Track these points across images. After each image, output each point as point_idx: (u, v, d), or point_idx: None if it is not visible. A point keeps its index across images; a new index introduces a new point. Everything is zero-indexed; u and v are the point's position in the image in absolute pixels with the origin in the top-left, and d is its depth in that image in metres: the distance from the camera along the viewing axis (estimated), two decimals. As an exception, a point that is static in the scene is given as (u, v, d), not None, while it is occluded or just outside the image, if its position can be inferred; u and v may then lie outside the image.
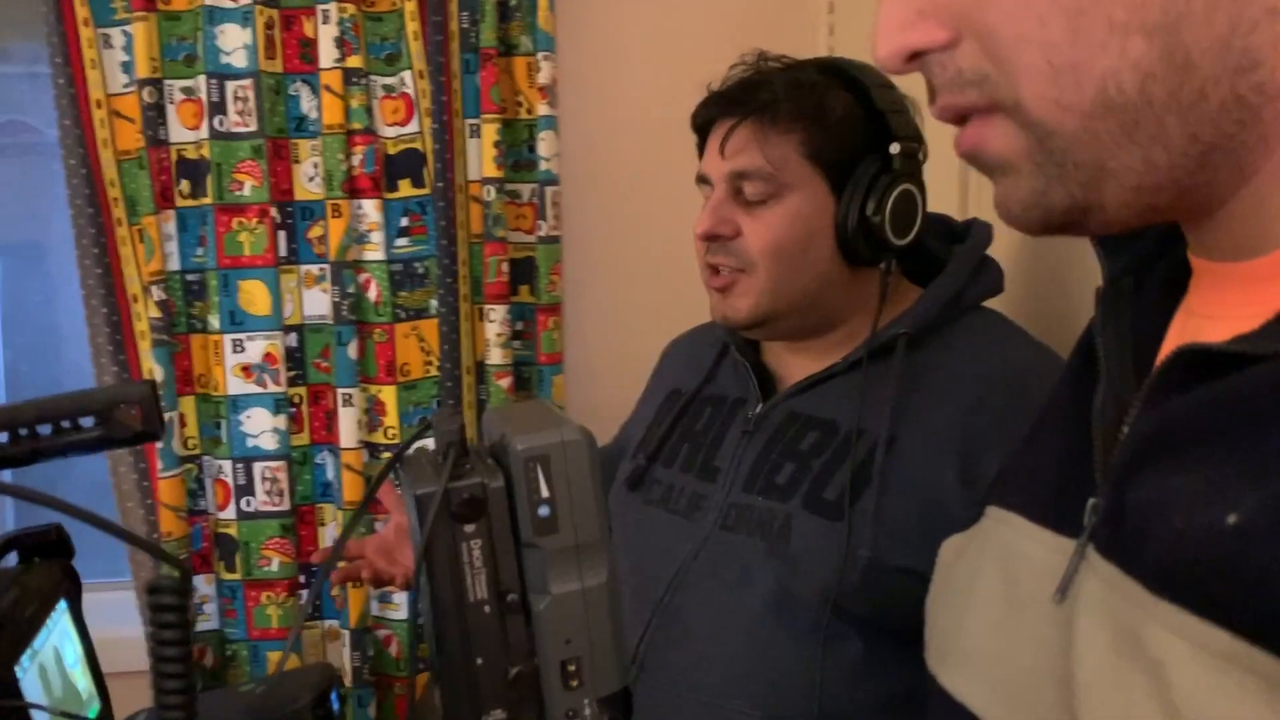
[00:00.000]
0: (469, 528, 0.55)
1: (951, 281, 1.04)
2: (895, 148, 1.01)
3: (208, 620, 1.74)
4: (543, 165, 1.70)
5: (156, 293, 1.64)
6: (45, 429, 0.52)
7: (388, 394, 1.71)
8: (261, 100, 1.62)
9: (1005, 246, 1.08)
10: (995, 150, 0.46)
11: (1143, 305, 0.53)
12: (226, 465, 1.70)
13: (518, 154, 1.72)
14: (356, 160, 1.66)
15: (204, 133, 1.63)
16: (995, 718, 0.53)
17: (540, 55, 1.67)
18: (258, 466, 1.70)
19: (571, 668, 0.56)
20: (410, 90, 1.66)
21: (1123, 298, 0.54)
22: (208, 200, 1.65)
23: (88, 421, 0.52)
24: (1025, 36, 0.43)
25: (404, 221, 1.69)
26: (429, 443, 0.58)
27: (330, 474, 1.75)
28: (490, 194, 1.67)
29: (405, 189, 1.68)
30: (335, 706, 0.81)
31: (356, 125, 1.65)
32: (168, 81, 1.63)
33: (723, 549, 1.02)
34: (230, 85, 1.63)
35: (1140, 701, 0.40)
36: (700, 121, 1.10)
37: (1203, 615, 0.39)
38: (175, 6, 1.62)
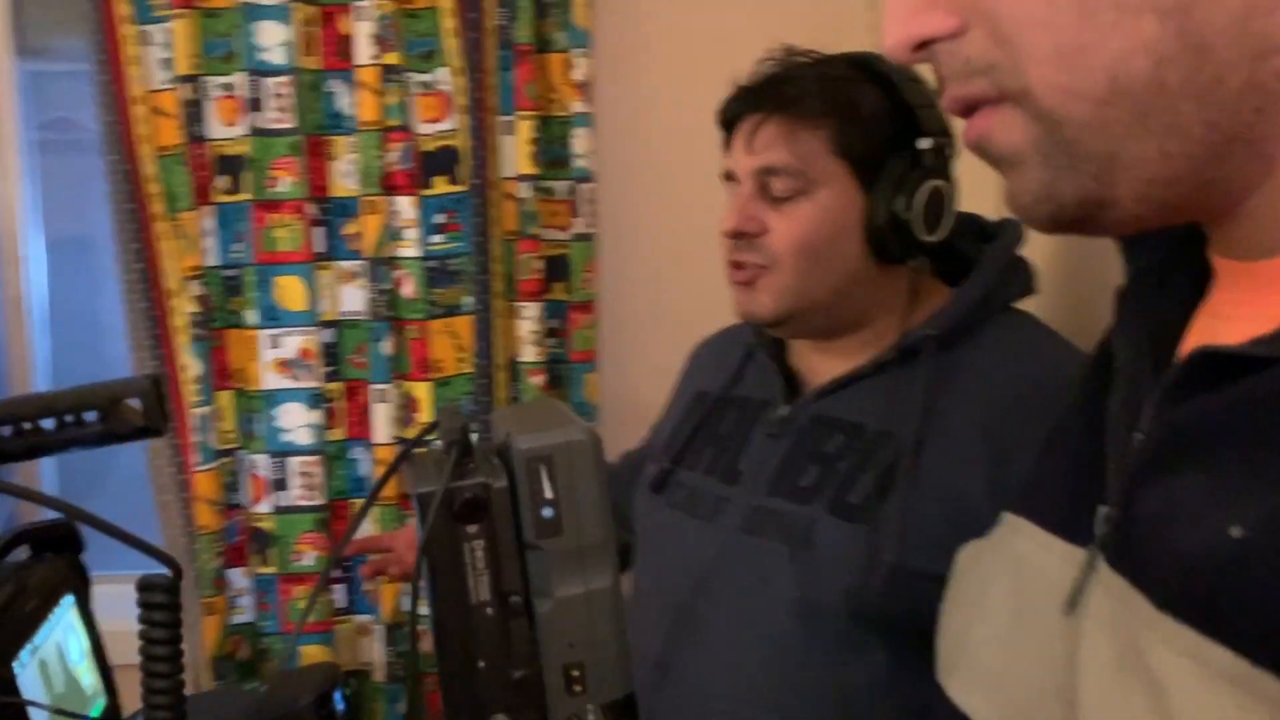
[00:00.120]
0: (471, 528, 0.54)
1: (982, 282, 1.02)
2: (925, 143, 0.99)
3: (243, 614, 1.75)
4: (578, 162, 1.69)
5: (194, 288, 1.65)
6: (48, 423, 0.51)
7: (421, 390, 1.71)
8: (299, 97, 1.63)
9: (1038, 247, 1.05)
10: (1003, 141, 0.45)
11: (1165, 306, 0.51)
12: (262, 460, 1.72)
13: (553, 151, 1.71)
14: (392, 157, 1.66)
15: (242, 129, 1.64)
16: None
17: (576, 51, 1.67)
18: (293, 461, 1.71)
19: (575, 673, 0.56)
20: (446, 87, 1.66)
21: (1144, 298, 0.52)
22: (245, 196, 1.66)
23: (91, 416, 0.52)
24: (1033, 20, 0.41)
25: (439, 218, 1.69)
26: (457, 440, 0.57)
27: (364, 469, 1.76)
28: (525, 191, 1.66)
29: (441, 186, 1.68)
30: (340, 707, 0.81)
31: (393, 122, 1.65)
32: (206, 78, 1.64)
33: (745, 553, 1.00)
34: (268, 82, 1.64)
35: None
36: (727, 116, 1.08)
37: (1205, 633, 0.37)
38: (215, 4, 1.63)
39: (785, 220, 1.01)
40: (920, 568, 0.92)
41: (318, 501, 1.71)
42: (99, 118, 1.60)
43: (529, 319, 1.69)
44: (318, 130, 1.68)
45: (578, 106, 1.67)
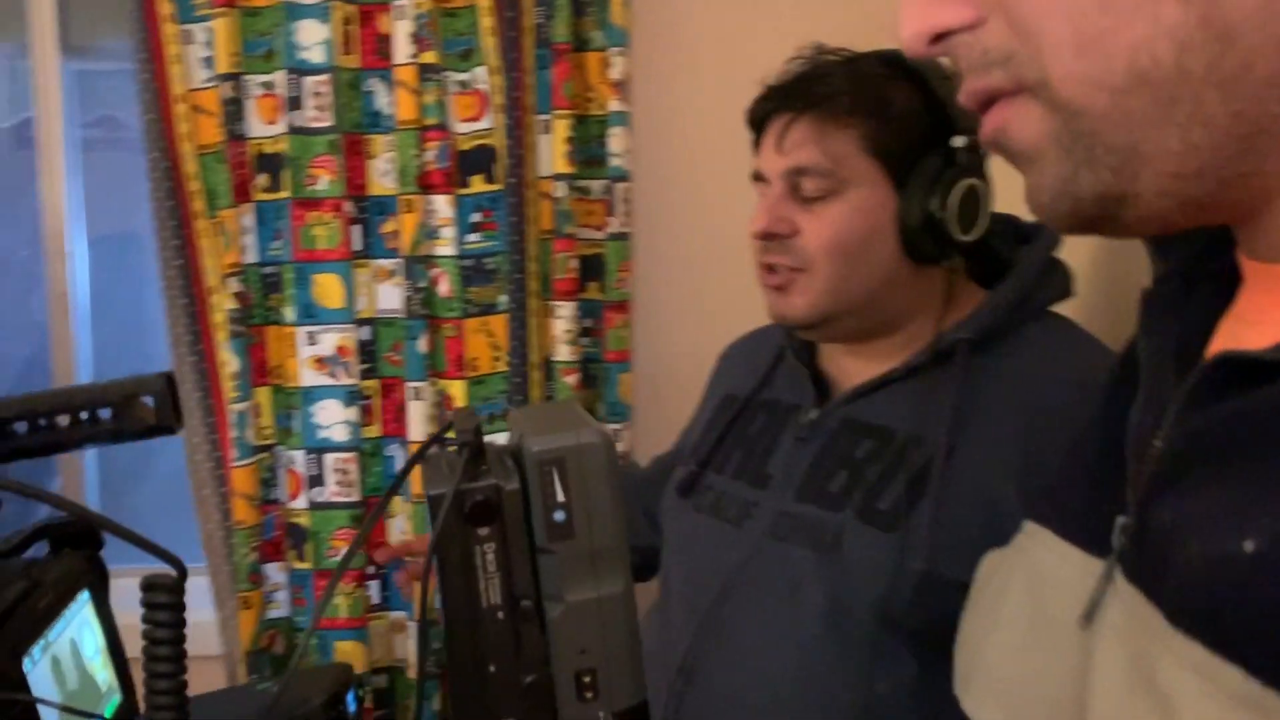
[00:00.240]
0: (483, 530, 0.53)
1: (1018, 284, 1.00)
2: (959, 141, 0.97)
3: (278, 608, 1.76)
4: (614, 161, 1.68)
5: (233, 285, 1.66)
6: (63, 419, 0.51)
7: (457, 388, 1.71)
8: (337, 96, 1.64)
9: (1077, 249, 1.03)
10: (1021, 134, 0.43)
11: (1192, 310, 0.49)
12: (298, 456, 1.73)
13: (589, 150, 1.71)
14: (430, 156, 1.66)
15: (281, 127, 1.65)
16: None
17: (613, 50, 1.66)
18: (329, 458, 1.72)
19: (586, 679, 0.55)
20: (483, 86, 1.66)
21: (1171, 301, 0.50)
22: (284, 194, 1.67)
23: (105, 413, 0.52)
24: (1051, 7, 0.40)
25: (475, 217, 1.69)
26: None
27: (399, 466, 1.76)
28: (560, 190, 1.66)
29: (477, 185, 1.68)
30: (352, 708, 0.80)
31: (430, 121, 1.65)
32: (247, 77, 1.66)
33: (772, 559, 0.99)
34: (307, 81, 1.65)
35: None
36: (756, 116, 1.07)
37: (1216, 650, 0.35)
38: (255, 3, 1.64)
39: (817, 221, 1.00)
40: (950, 576, 0.90)
41: (353, 498, 1.72)
42: (141, 116, 1.62)
43: (563, 318, 1.68)
44: (356, 129, 1.69)
45: (614, 105, 1.67)
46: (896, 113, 0.99)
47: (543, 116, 1.68)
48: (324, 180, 1.66)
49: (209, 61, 1.63)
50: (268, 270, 1.71)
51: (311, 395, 1.71)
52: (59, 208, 1.85)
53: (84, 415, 0.52)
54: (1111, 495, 0.47)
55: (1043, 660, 0.49)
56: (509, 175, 1.65)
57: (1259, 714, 0.34)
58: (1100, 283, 1.13)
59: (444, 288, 1.69)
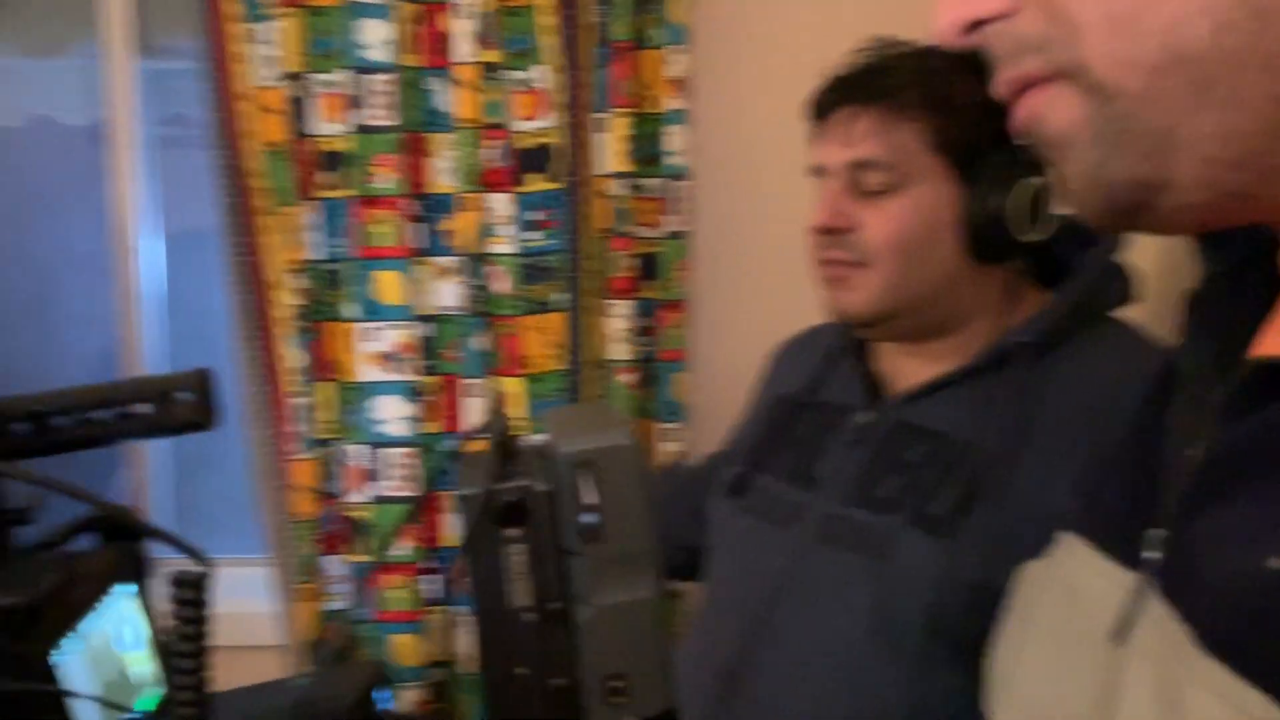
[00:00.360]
0: (512, 532, 0.53)
1: (1080, 287, 0.97)
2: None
3: (336, 600, 1.79)
4: (672, 159, 1.68)
5: (296, 281, 1.69)
6: (104, 413, 0.52)
7: (513, 386, 1.71)
8: (399, 95, 1.66)
9: (1143, 252, 1.00)
10: (1053, 121, 0.42)
11: (1235, 313, 0.47)
12: (358, 450, 1.75)
13: (647, 148, 1.70)
14: (489, 154, 1.67)
15: (344, 126, 1.67)
16: None
17: (673, 48, 1.65)
18: (388, 452, 1.74)
19: (615, 684, 0.54)
20: (543, 84, 1.66)
21: (1214, 304, 0.48)
22: (346, 192, 1.69)
23: (143, 408, 0.52)
24: None
25: (533, 215, 1.69)
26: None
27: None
28: (618, 188, 1.66)
29: (535, 183, 1.69)
30: (383, 706, 0.81)
31: (490, 119, 1.66)
32: (311, 75, 1.68)
33: (820, 564, 0.97)
34: (370, 79, 1.66)
35: None
36: (817, 107, 1.05)
37: (1239, 673, 0.33)
38: (320, 2, 1.66)
39: (878, 216, 0.98)
40: (1004, 586, 0.88)
41: (411, 493, 1.73)
42: (207, 114, 1.65)
43: (620, 317, 1.68)
44: (417, 127, 1.70)
45: (673, 103, 1.66)
46: (963, 107, 0.97)
47: (601, 114, 1.68)
48: (385, 178, 1.68)
49: (274, 60, 1.66)
50: (329, 267, 1.73)
51: (371, 391, 1.73)
52: (128, 204, 1.90)
53: (123, 410, 0.52)
54: (1148, 506, 0.45)
55: (1073, 679, 0.47)
56: (567, 173, 1.66)
57: None
58: (1166, 287, 1.09)
59: (502, 285, 1.70)
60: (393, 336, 1.71)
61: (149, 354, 1.94)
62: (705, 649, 1.03)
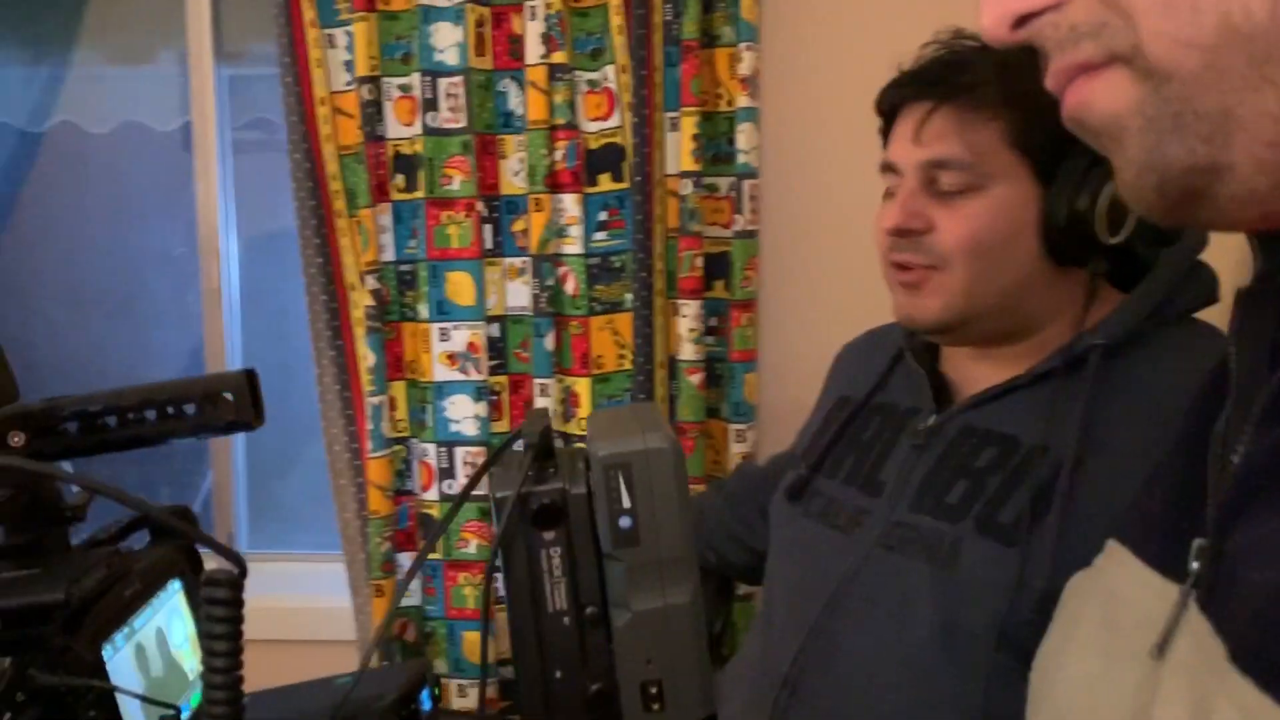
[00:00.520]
0: (549, 534, 0.53)
1: (1157, 288, 0.93)
2: None
3: (410, 597, 1.81)
4: (741, 158, 1.66)
5: (371, 282, 1.71)
6: (150, 413, 0.53)
7: (582, 386, 1.72)
8: (471, 97, 1.67)
9: (1223, 251, 0.95)
10: (1104, 107, 0.40)
11: None
12: (431, 449, 1.77)
13: (716, 147, 1.69)
14: (559, 155, 1.68)
15: (417, 129, 1.69)
16: None
17: (743, 46, 1.64)
18: (459, 451, 1.76)
19: (652, 690, 0.53)
20: (613, 85, 1.66)
21: (1268, 303, 0.46)
22: (420, 194, 1.71)
23: (189, 408, 0.53)
24: None
25: (602, 215, 1.70)
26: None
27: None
28: (687, 188, 1.65)
29: (604, 183, 1.69)
30: (426, 706, 0.81)
31: (560, 120, 1.66)
32: (385, 79, 1.70)
33: (883, 571, 0.95)
34: (442, 82, 1.68)
35: None
36: (889, 104, 1.03)
37: (1267, 690, 0.31)
38: (394, 6, 1.69)
39: (955, 217, 0.95)
40: (1072, 595, 0.85)
41: (482, 492, 1.74)
42: (285, 118, 1.69)
43: (688, 317, 1.67)
44: (488, 129, 1.71)
45: (743, 101, 1.65)
46: (1045, 104, 0.93)
47: (670, 114, 1.67)
48: (457, 180, 1.69)
49: (349, 65, 1.69)
50: (404, 268, 1.76)
51: (443, 390, 1.75)
52: (213, 207, 1.95)
53: (170, 410, 0.53)
54: (1190, 514, 0.43)
55: (1110, 693, 0.45)
56: (636, 173, 1.65)
57: None
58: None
59: (571, 286, 1.70)
60: (464, 336, 1.73)
61: (230, 353, 1.99)
62: (763, 655, 1.01)
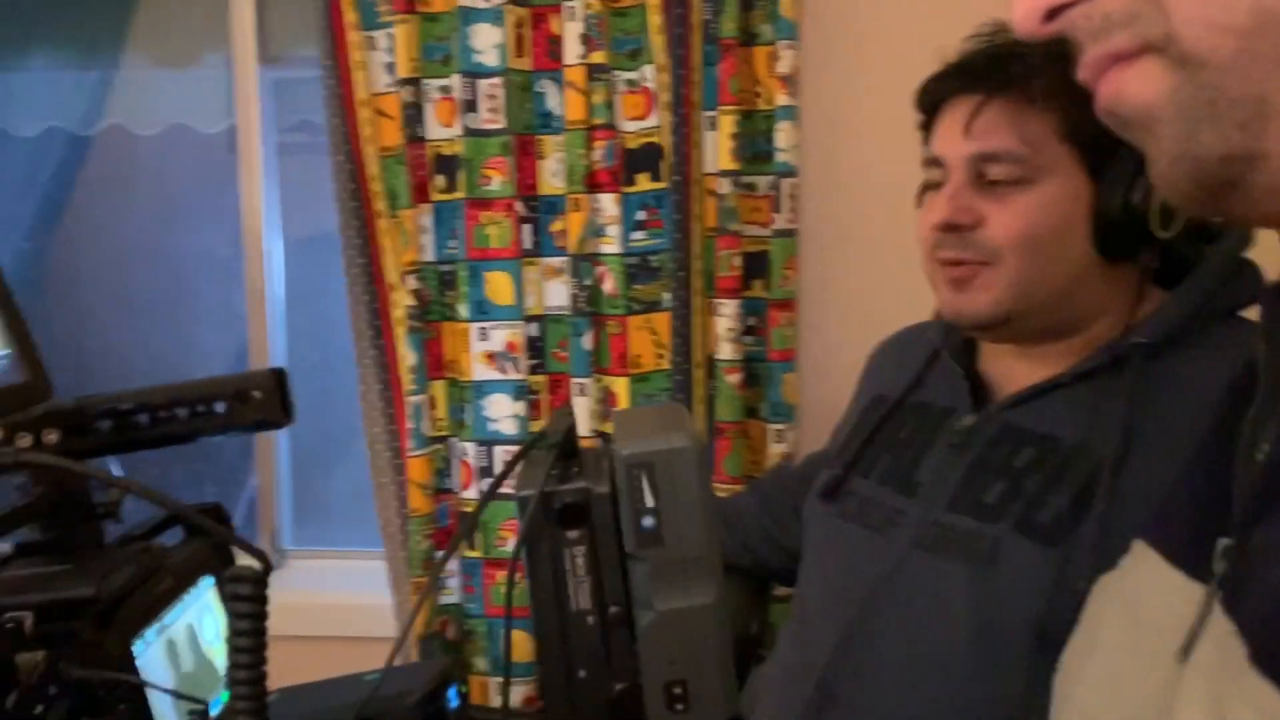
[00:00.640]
0: (572, 534, 0.53)
1: (1202, 285, 0.91)
2: None
3: (450, 595, 1.82)
4: (780, 157, 1.65)
5: (411, 282, 1.73)
6: (180, 411, 0.54)
7: (620, 385, 1.72)
8: (510, 98, 1.68)
9: (1270, 248, 0.93)
10: (1137, 97, 0.39)
11: None
12: (470, 447, 1.78)
13: (755, 145, 1.68)
14: (597, 155, 1.68)
15: (457, 130, 1.70)
16: None
17: (782, 44, 1.63)
18: (498, 450, 1.76)
19: (676, 690, 0.53)
20: (651, 84, 1.66)
21: None
22: (459, 195, 1.72)
23: (219, 406, 0.54)
24: None
25: (640, 215, 1.69)
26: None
27: (565, 462, 1.79)
28: (725, 187, 1.64)
29: (643, 183, 1.69)
30: (453, 704, 0.81)
31: (598, 120, 1.66)
32: (426, 81, 1.71)
33: (919, 572, 0.94)
34: (482, 84, 1.69)
35: None
36: (933, 97, 1.01)
37: None
38: (434, 8, 1.70)
39: (1005, 211, 0.93)
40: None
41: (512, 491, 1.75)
42: (327, 120, 1.71)
43: (726, 316, 1.67)
44: (527, 130, 1.72)
45: (782, 100, 1.64)
46: None
47: (709, 113, 1.67)
48: (497, 181, 1.70)
49: (390, 67, 1.70)
50: (444, 268, 1.77)
51: (483, 389, 1.76)
52: (257, 208, 1.97)
53: (200, 408, 0.54)
54: (1216, 514, 0.42)
55: (1133, 695, 0.44)
56: (674, 173, 1.65)
57: None
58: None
59: (609, 285, 1.70)
60: (503, 336, 1.74)
61: (274, 352, 2.02)
62: (797, 657, 1.01)
